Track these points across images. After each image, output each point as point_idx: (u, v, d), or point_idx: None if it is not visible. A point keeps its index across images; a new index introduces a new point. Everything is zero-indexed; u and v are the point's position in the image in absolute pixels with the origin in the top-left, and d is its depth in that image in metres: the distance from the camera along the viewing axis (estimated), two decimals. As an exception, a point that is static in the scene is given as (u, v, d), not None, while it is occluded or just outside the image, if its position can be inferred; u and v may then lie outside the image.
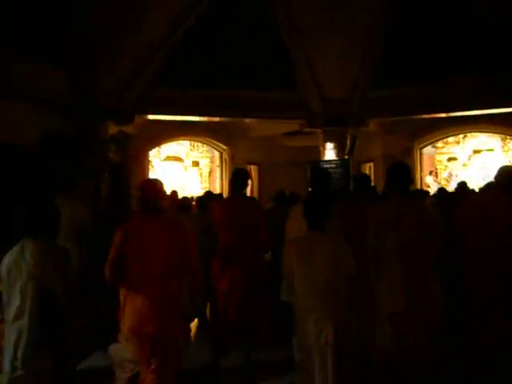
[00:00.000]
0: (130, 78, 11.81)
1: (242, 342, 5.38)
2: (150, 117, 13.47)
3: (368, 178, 6.10)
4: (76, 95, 10.84)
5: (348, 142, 13.73)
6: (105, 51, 10.88)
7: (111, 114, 11.69)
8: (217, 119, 14.89)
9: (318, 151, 14.20)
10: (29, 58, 9.50)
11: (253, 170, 18.74)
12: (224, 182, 17.79)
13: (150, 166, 17.04)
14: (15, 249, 3.46)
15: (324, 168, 4.85)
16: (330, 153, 13.68)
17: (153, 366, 3.61)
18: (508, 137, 15.73)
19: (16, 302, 3.33)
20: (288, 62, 12.80)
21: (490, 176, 15.54)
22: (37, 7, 9.54)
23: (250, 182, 6.53)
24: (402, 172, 4.08)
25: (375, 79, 12.93)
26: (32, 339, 3.33)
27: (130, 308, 3.69)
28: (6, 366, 3.38)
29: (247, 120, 15.04)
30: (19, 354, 3.31)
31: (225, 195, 14.16)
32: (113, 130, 12.21)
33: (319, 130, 13.87)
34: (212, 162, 18.76)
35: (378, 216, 4.06)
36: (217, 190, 17.47)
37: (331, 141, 13.67)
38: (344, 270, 3.52)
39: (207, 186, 18.69)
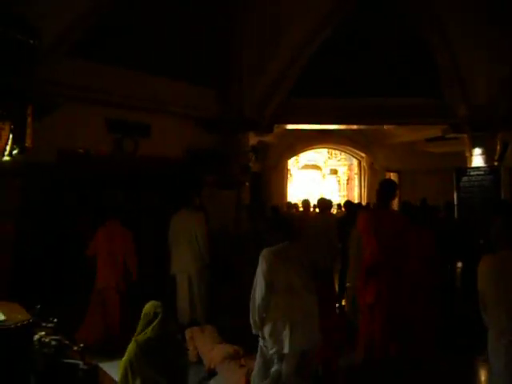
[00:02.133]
0: (270, 90, 12.08)
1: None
2: (289, 126, 13.66)
3: None
4: (221, 109, 11.35)
5: (498, 148, 12.79)
6: (247, 66, 11.28)
7: (252, 125, 12.04)
8: (355, 127, 14.71)
9: (463, 157, 13.40)
10: (179, 78, 10.16)
11: (392, 177, 18.22)
12: (362, 189, 17.53)
13: (288, 175, 17.31)
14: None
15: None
16: (477, 159, 12.82)
17: None
18: None
19: None
20: (431, 68, 12.29)
21: None
22: (187, 32, 10.20)
23: (397, 192, 6.38)
24: None
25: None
26: None
27: None
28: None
29: (386, 127, 14.67)
30: None
31: (363, 203, 13.93)
32: (253, 140, 12.57)
33: (465, 136, 13.09)
34: (350, 169, 18.62)
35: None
36: (355, 198, 17.26)
37: (479, 146, 12.80)
38: None
39: (345, 193, 18.54)
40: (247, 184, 12.02)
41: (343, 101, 12.71)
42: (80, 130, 8.87)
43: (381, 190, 5.50)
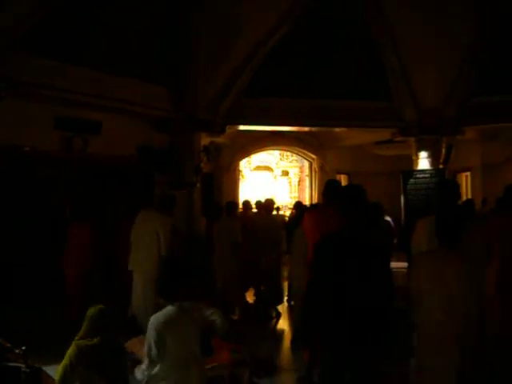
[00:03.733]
0: (223, 90, 12.08)
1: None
2: (241, 127, 13.67)
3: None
4: (174, 109, 11.25)
5: (443, 151, 13.20)
6: (201, 65, 11.22)
7: (204, 126, 11.99)
8: (306, 129, 14.86)
9: (411, 160, 13.78)
10: (132, 76, 10.01)
11: (343, 179, 18.55)
12: (313, 191, 17.74)
13: (240, 176, 17.33)
14: None
15: (452, 180, 4.52)
16: (423, 162, 13.22)
17: None
18: None
19: None
20: (381, 71, 12.56)
21: None
22: (141, 28, 10.06)
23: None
24: None
25: (473, 86, 12.39)
26: None
27: None
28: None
29: (337, 129, 14.90)
30: None
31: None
32: (205, 140, 12.52)
33: (412, 139, 13.45)
34: (301, 171, 18.79)
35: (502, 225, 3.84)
36: (306, 200, 17.45)
37: (425, 150, 13.21)
38: (475, 291, 3.29)
39: (296, 195, 18.72)
40: (198, 185, 11.96)
41: (295, 102, 12.82)
42: (27, 128, 8.60)
43: (326, 189, 5.60)
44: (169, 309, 3.60)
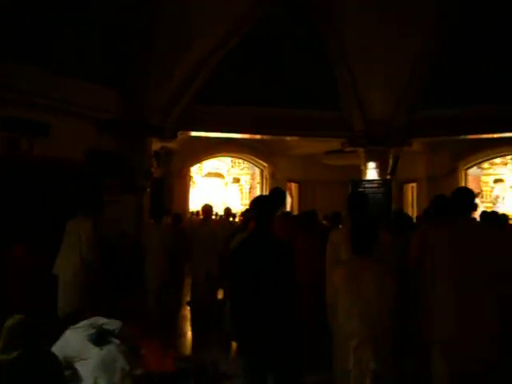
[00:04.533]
0: (175, 96, 12.02)
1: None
2: (193, 133, 13.64)
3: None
4: (124, 112, 11.10)
5: (390, 162, 13.54)
6: (153, 70, 11.14)
7: (155, 131, 11.90)
8: (258, 137, 14.97)
9: (360, 170, 14.08)
10: (82, 77, 9.83)
11: (293, 187, 18.73)
12: (264, 198, 17.84)
13: (191, 182, 17.25)
14: None
15: (361, 191, 4.59)
16: (371, 172, 13.53)
17: None
18: (558, 159, 15.27)
19: None
20: (331, 82, 12.80)
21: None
22: (93, 30, 9.90)
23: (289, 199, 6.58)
24: (465, 197, 3.98)
25: (420, 99, 12.79)
26: None
27: None
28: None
29: (288, 138, 15.07)
30: None
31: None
32: (156, 145, 12.41)
33: (361, 150, 13.75)
34: (253, 178, 18.85)
35: (435, 241, 3.97)
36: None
37: (373, 160, 13.53)
38: (387, 299, 3.44)
39: (247, 202, 18.76)
40: (148, 190, 11.84)
41: (247, 110, 12.90)
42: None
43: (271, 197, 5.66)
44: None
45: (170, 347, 5.03)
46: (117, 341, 4.56)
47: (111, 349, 4.46)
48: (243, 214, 10.17)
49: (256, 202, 3.79)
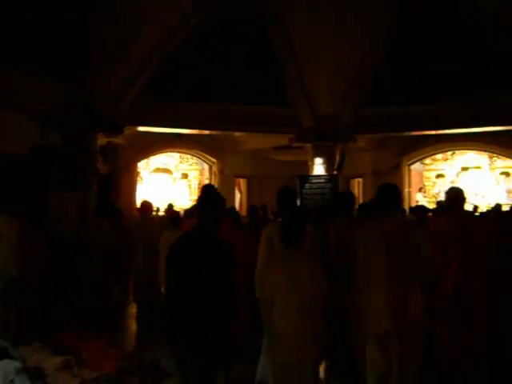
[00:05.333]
0: (122, 90, 11.82)
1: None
2: (141, 128, 13.45)
3: (352, 196, 6.01)
4: (70, 107, 10.82)
5: (337, 158, 13.79)
6: (99, 64, 10.90)
7: (101, 125, 11.66)
8: (207, 132, 14.91)
9: (307, 166, 14.25)
10: (27, 71, 9.52)
11: (242, 183, 18.79)
12: (213, 194, 17.78)
13: (138, 178, 17.00)
14: None
15: (288, 186, 4.63)
16: (318, 168, 13.73)
17: None
18: (495, 155, 15.92)
19: None
20: (280, 78, 12.90)
21: (477, 193, 15.88)
22: (39, 23, 9.59)
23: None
24: (391, 192, 4.07)
25: (365, 97, 13.07)
26: None
27: None
28: None
29: (237, 133, 15.08)
30: None
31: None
32: (102, 140, 12.16)
33: (309, 145, 13.93)
34: (201, 174, 18.74)
35: (367, 235, 4.06)
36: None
37: (320, 156, 13.73)
38: (319, 291, 3.55)
39: (196, 198, 18.65)
40: (94, 186, 11.59)
41: (196, 106, 12.85)
42: None
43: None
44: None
45: (114, 347, 4.93)
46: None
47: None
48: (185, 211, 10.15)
49: (202, 200, 3.75)
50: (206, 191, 3.75)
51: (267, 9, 12.02)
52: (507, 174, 15.96)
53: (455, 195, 4.89)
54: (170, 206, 10.70)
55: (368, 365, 3.93)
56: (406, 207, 13.16)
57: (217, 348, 3.38)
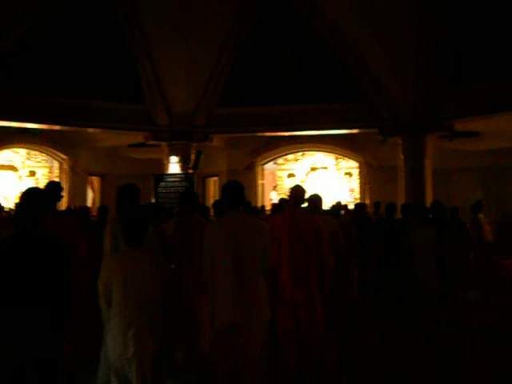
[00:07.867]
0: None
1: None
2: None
3: (195, 194, 6.10)
4: None
5: (192, 157, 13.88)
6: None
7: None
8: (57, 127, 14.15)
9: (163, 164, 14.17)
10: None
11: (95, 181, 18.15)
12: (64, 193, 16.96)
13: (-21, 175, 15.72)
14: None
15: (132, 184, 4.60)
16: (174, 166, 13.73)
17: None
18: (340, 156, 17.08)
19: None
20: (136, 74, 12.70)
21: (324, 192, 16.92)
22: None
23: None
24: (236, 190, 4.20)
25: (221, 97, 13.33)
26: None
27: None
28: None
29: (90, 130, 14.51)
30: None
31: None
32: None
33: (164, 144, 13.86)
34: (51, 172, 17.76)
35: (214, 231, 4.15)
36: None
37: (176, 154, 13.75)
38: (159, 285, 3.61)
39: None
40: None
41: (46, 100, 12.18)
42: None
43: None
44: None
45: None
46: None
47: None
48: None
49: (27, 197, 3.50)
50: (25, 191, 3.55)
51: (122, 3, 11.81)
52: (350, 174, 17.23)
53: (296, 192, 5.18)
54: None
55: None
56: (259, 205, 13.66)
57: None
